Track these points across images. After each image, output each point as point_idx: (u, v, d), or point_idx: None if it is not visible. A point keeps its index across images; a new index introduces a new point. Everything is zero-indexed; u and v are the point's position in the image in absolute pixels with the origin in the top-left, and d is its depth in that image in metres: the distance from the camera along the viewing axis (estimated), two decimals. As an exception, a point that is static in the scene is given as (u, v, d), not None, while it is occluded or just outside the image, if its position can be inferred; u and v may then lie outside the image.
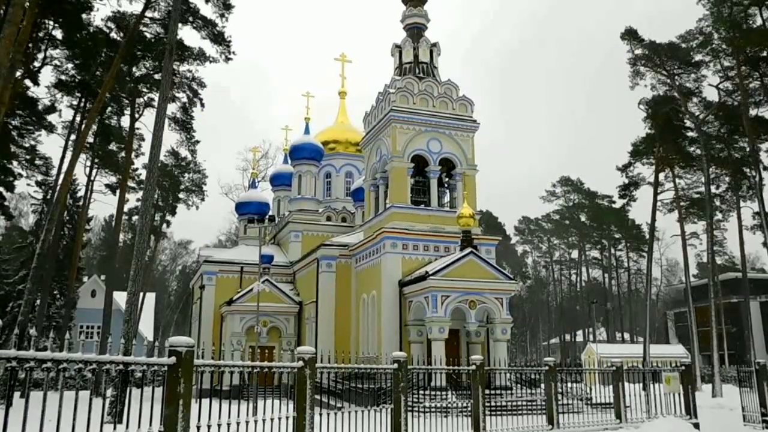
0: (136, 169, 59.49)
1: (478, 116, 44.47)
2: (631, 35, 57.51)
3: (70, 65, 45.91)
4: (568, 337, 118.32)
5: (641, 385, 24.13)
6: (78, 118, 47.39)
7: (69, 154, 43.23)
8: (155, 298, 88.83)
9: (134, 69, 47.95)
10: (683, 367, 24.45)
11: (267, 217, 44.02)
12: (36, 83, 44.18)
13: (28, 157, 50.91)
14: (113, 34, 44.90)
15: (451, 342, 35.61)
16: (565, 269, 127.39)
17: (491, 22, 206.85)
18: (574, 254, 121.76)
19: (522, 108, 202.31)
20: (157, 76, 46.10)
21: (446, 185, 45.06)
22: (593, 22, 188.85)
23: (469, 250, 36.03)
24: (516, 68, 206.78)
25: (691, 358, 55.06)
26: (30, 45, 40.81)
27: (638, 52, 57.57)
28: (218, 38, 42.69)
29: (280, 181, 66.26)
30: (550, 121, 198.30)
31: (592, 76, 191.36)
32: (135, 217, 71.06)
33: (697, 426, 22.92)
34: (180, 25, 39.71)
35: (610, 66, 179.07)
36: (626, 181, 62.78)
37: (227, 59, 43.41)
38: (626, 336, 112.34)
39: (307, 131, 61.97)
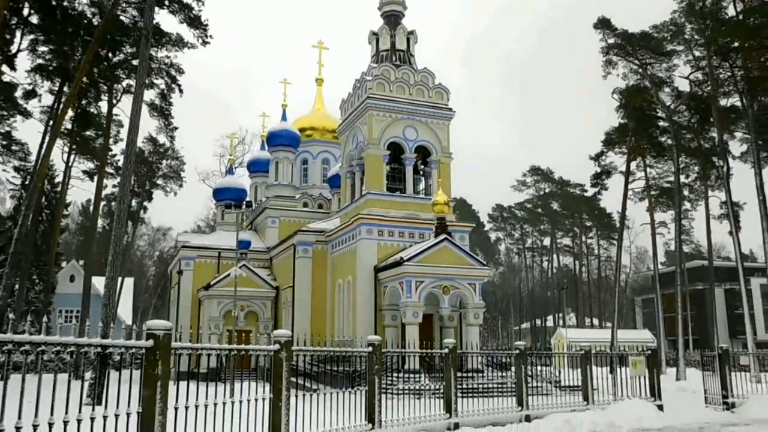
0: (114, 155, 58.95)
1: (456, 102, 44.41)
2: (604, 24, 57.73)
3: (47, 50, 45.39)
4: (538, 322, 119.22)
5: (608, 368, 24.41)
6: (57, 104, 46.90)
7: (47, 140, 42.83)
8: (133, 282, 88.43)
9: (112, 55, 47.45)
10: (649, 352, 24.79)
11: (244, 203, 43.88)
12: (13, 68, 43.66)
13: (4, 142, 50.37)
14: (95, 20, 44.37)
15: (424, 326, 35.75)
16: (537, 256, 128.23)
17: (467, 10, 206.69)
18: (546, 241, 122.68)
19: (490, 95, 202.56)
20: (134, 62, 45.65)
21: (422, 173, 45.13)
22: (563, 10, 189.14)
23: (443, 236, 36.15)
24: (483, 53, 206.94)
25: (657, 342, 55.67)
26: (6, 30, 40.35)
27: (611, 41, 57.84)
28: (195, 22, 42.30)
29: (257, 167, 66.02)
30: (523, 108, 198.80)
31: (565, 63, 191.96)
32: (113, 203, 70.50)
33: (661, 408, 23.25)
34: (157, 9, 39.36)
35: (583, 54, 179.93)
36: (598, 170, 63.18)
37: (204, 43, 43.10)
38: (595, 321, 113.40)
39: (284, 118, 61.71)
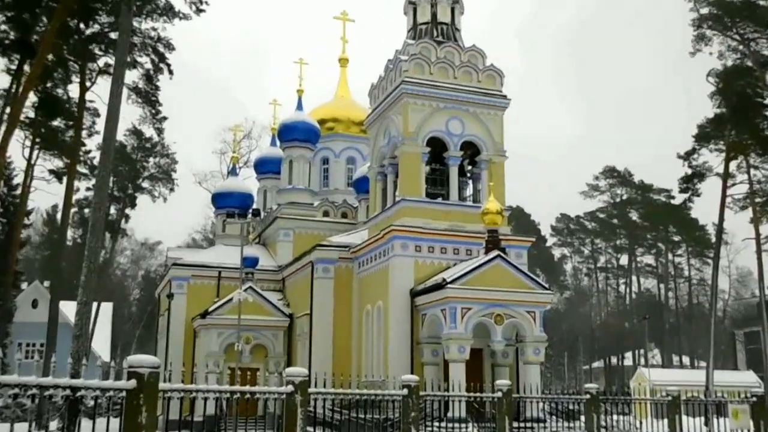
0: (89, 151, 59.25)
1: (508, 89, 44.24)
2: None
3: (1, 18, 45.19)
4: (614, 360, 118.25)
5: (703, 419, 24.03)
6: (16, 87, 46.89)
7: (3, 130, 42.98)
8: (112, 308, 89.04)
9: (85, 26, 47.36)
10: (754, 399, 24.37)
11: (250, 211, 44.05)
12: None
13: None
14: None
15: (472, 364, 35.49)
16: (612, 278, 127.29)
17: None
18: (623, 260, 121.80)
19: (549, 75, 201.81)
20: (113, 35, 45.73)
21: (469, 174, 44.90)
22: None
23: (495, 253, 35.91)
24: (541, 22, 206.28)
25: (765, 387, 54.84)
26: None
27: (704, 11, 57.33)
28: None
29: (266, 167, 66.19)
30: (590, 98, 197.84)
31: (645, 38, 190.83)
32: (86, 210, 71.02)
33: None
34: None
35: (669, 26, 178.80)
36: (689, 171, 62.51)
37: (199, 11, 43.17)
38: (685, 360, 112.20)
39: (299, 107, 61.83)
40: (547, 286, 38.43)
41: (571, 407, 31.07)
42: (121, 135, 65.54)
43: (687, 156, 62.40)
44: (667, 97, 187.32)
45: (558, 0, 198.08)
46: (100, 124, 52.64)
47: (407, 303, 38.42)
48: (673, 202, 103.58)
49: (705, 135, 61.22)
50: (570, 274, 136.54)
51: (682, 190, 64.36)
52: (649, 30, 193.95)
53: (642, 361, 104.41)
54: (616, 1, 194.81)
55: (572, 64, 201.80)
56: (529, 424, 31.20)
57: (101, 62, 49.54)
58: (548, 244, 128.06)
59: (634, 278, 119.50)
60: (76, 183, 55.73)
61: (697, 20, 57.45)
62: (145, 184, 73.83)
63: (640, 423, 25.64)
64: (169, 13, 45.22)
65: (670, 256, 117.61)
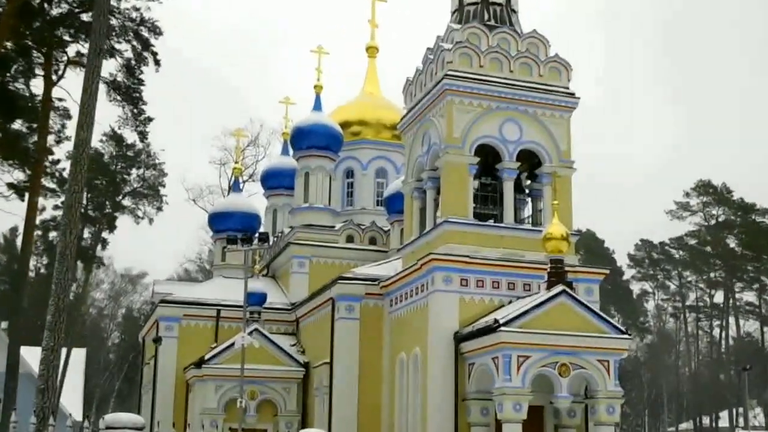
0: (57, 161, 59.55)
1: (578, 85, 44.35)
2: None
3: None
4: (706, 420, 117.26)
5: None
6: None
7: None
8: (86, 355, 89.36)
9: (49, 5, 47.48)
10: None
11: (256, 235, 44.07)
12: None
13: None
14: None
15: (532, 424, 35.55)
16: (705, 319, 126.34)
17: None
18: (719, 297, 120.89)
19: (638, 78, 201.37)
20: (85, 17, 45.90)
21: (527, 191, 44.89)
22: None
23: (560, 288, 35.86)
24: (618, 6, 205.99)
25: None
26: None
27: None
28: None
29: (276, 181, 66.46)
30: (682, 99, 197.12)
31: (742, 23, 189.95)
32: (54, 234, 71.44)
33: None
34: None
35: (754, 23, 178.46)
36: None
37: None
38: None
39: (317, 106, 61.99)
40: (624, 329, 38.23)
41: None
42: (96, 141, 65.96)
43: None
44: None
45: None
46: (71, 128, 52.74)
47: (450, 350, 38.35)
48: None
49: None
50: (652, 315, 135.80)
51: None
52: (746, 21, 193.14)
53: (741, 421, 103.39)
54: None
55: (666, 63, 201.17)
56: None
57: (71, 50, 49.52)
58: (625, 277, 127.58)
59: (731, 320, 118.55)
60: (41, 200, 55.93)
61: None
62: (127, 202, 74.45)
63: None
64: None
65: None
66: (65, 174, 53.54)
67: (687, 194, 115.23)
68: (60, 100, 51.94)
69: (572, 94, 43.42)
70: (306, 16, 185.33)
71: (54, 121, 53.69)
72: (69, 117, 55.51)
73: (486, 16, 44.40)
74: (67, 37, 48.58)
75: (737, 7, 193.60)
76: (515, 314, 35.25)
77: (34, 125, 52.62)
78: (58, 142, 57.49)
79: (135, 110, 53.04)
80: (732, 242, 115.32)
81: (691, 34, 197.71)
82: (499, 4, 44.87)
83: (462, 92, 41.73)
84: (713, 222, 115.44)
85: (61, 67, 49.26)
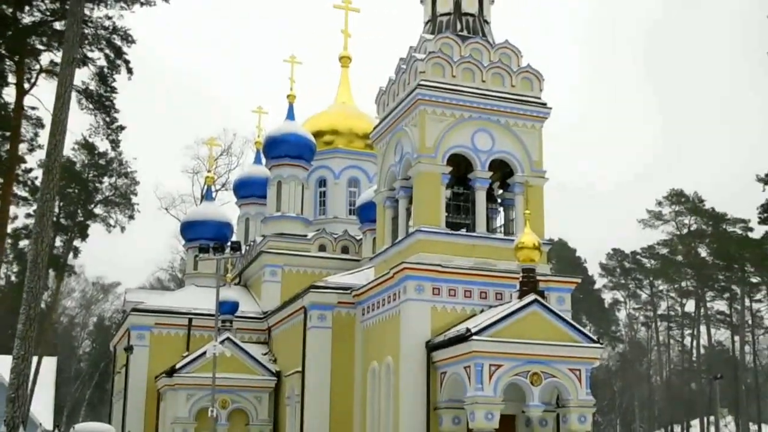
0: (29, 169, 59.35)
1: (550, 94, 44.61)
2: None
3: None
4: (678, 429, 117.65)
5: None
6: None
7: None
8: (56, 364, 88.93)
9: (21, 12, 47.32)
10: None
11: (229, 244, 44.03)
12: None
13: None
14: None
15: (504, 434, 35.58)
16: (677, 328, 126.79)
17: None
18: (690, 306, 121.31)
19: (614, 88, 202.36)
20: (59, 26, 45.79)
21: (499, 200, 45.05)
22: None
23: (532, 297, 36.04)
24: (589, 17, 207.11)
25: None
26: None
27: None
28: None
29: (248, 190, 66.48)
30: (658, 108, 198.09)
31: (710, 35, 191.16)
32: (25, 242, 71.12)
33: None
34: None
35: (738, 21, 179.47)
36: (770, 198, 62.65)
37: None
38: (765, 429, 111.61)
39: (290, 116, 62.02)
40: (595, 338, 38.45)
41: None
42: (68, 149, 65.70)
43: (768, 179, 62.57)
44: (746, 110, 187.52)
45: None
46: (43, 136, 52.48)
47: (422, 359, 38.44)
48: (751, 235, 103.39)
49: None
50: (624, 324, 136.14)
51: (762, 221, 64.55)
52: (725, 32, 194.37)
53: (712, 430, 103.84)
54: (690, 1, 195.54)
55: (643, 73, 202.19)
56: None
57: (44, 59, 49.34)
58: (597, 286, 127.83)
59: (702, 329, 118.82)
60: (12, 209, 55.53)
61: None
62: (99, 210, 73.99)
63: None
64: (128, -3, 45.22)
65: (747, 302, 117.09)
66: (37, 182, 53.37)
67: (659, 203, 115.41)
68: (32, 108, 51.76)
69: (544, 104, 43.63)
70: (279, 26, 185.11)
71: (26, 129, 53.44)
72: (42, 125, 55.28)
73: (459, 27, 44.58)
74: (39, 46, 48.34)
75: (716, 18, 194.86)
76: (487, 323, 35.37)
77: (6, 133, 52.34)
78: (31, 150, 57.22)
79: (107, 118, 52.80)
80: (703, 251, 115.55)
81: (669, 45, 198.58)
82: (472, 15, 45.05)
83: (435, 102, 41.85)
84: (685, 231, 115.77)
85: (34, 75, 49.01)
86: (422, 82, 41.84)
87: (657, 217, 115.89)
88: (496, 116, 42.71)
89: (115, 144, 56.35)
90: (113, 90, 50.75)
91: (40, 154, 54.50)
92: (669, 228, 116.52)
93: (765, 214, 63.43)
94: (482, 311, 38.74)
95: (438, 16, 45.22)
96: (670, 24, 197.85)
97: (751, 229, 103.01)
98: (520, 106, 43.10)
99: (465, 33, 44.36)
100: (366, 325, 43.83)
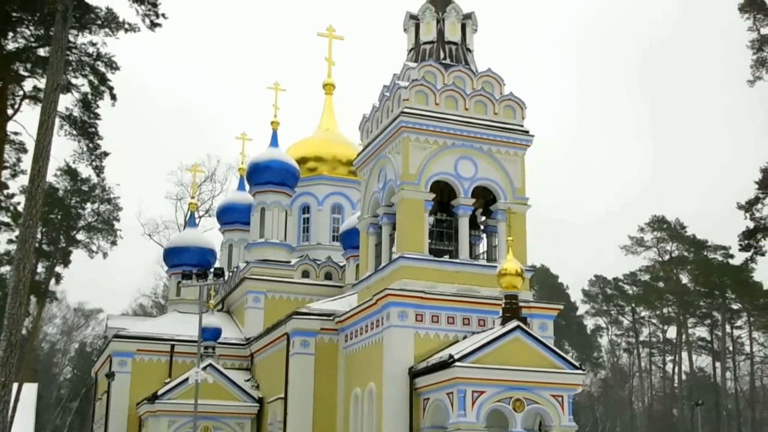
0: (11, 194, 59.13)
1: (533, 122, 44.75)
2: (755, 6, 58.00)
3: None
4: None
5: None
6: None
7: None
8: (37, 391, 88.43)
9: (4, 38, 47.34)
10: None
11: (212, 270, 43.97)
12: None
13: None
14: None
15: (486, 461, 35.55)
16: (658, 355, 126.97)
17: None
18: (671, 333, 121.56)
19: (598, 116, 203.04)
20: (43, 52, 45.80)
21: (482, 227, 45.14)
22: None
23: (514, 324, 36.10)
24: (569, 46, 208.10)
25: None
26: None
27: (766, 31, 58.01)
28: None
29: (232, 216, 66.43)
30: (637, 135, 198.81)
31: (692, 63, 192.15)
32: (7, 268, 70.81)
33: None
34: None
35: (720, 49, 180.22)
36: (751, 225, 62.73)
37: (153, 25, 43.02)
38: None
39: (274, 142, 62.10)
40: (577, 364, 38.41)
41: None
42: (51, 175, 65.50)
43: (749, 206, 62.61)
44: (726, 135, 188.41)
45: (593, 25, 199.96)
46: (26, 161, 52.31)
47: (405, 385, 38.37)
48: (732, 262, 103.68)
49: (770, 181, 61.44)
50: (606, 350, 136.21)
51: (742, 248, 64.42)
52: (705, 56, 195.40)
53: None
54: (668, 29, 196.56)
55: (628, 100, 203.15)
56: None
57: (27, 85, 49.24)
58: (579, 312, 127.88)
59: (684, 355, 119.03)
60: (-6, 235, 55.44)
61: (757, 42, 58.07)
62: (81, 236, 73.55)
63: None
64: (113, 24, 44.95)
65: (728, 329, 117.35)
66: (20, 208, 53.14)
67: (641, 229, 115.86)
68: (15, 133, 51.54)
69: (526, 132, 43.79)
70: (263, 53, 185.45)
71: (9, 155, 53.32)
72: (24, 150, 55.00)
73: (442, 55, 44.80)
74: (23, 72, 48.28)
75: (705, 47, 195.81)
76: (470, 350, 35.37)
77: (-11, 159, 52.24)
78: (14, 175, 57.06)
79: (91, 144, 52.43)
80: (685, 278, 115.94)
81: (657, 73, 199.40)
82: (455, 44, 45.28)
83: (418, 129, 41.98)
84: (666, 257, 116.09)
85: (17, 101, 48.95)
86: (406, 110, 41.98)
87: (639, 244, 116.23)
88: (479, 144, 42.85)
89: (98, 170, 55.93)
90: (97, 116, 50.56)
91: (23, 180, 54.37)
92: (651, 254, 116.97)
93: (745, 241, 63.38)
94: (465, 338, 38.81)
95: (421, 44, 45.47)
96: (658, 54, 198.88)
97: (732, 256, 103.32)
98: (502, 134, 43.26)
99: (448, 61, 44.59)
100: (349, 351, 43.81)
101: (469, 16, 46.02)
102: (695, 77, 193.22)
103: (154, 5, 42.21)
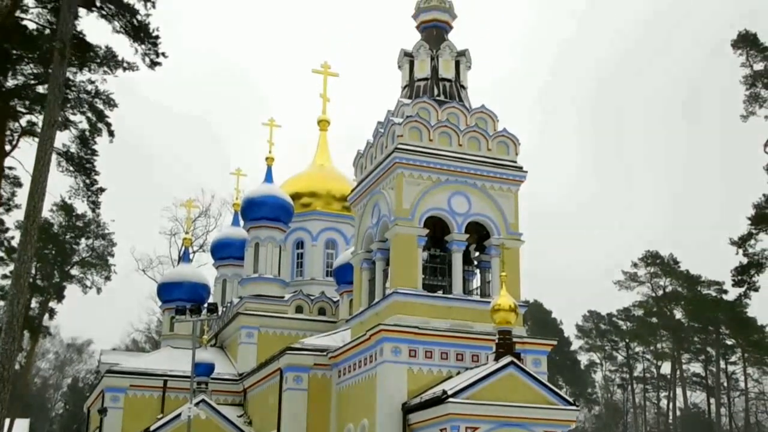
0: (6, 229, 59.17)
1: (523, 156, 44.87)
2: (747, 42, 58.30)
3: None
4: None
5: None
6: None
7: None
8: (29, 426, 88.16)
9: (4, 77, 47.49)
10: None
11: (205, 306, 43.95)
12: None
13: None
14: None
15: (480, 499, 35.41)
16: (652, 390, 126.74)
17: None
18: (666, 368, 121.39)
19: (594, 154, 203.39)
20: (41, 89, 45.94)
21: (476, 263, 45.16)
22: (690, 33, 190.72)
23: (508, 359, 36.06)
24: (566, 80, 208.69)
25: None
26: None
27: (759, 67, 58.29)
28: (139, 33, 41.88)
29: (226, 251, 66.41)
30: (628, 173, 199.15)
31: (686, 98, 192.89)
32: (0, 303, 70.69)
33: None
34: (83, 12, 39.69)
35: (715, 85, 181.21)
36: (744, 261, 62.85)
37: (153, 64, 43.14)
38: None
39: (268, 178, 62.16)
40: (571, 400, 38.29)
41: None
42: (47, 210, 65.53)
43: (741, 242, 62.77)
44: (718, 169, 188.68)
45: (586, 56, 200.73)
46: (21, 197, 52.38)
47: (399, 421, 38.20)
48: (725, 297, 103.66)
49: (762, 217, 61.59)
50: (600, 386, 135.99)
51: (736, 284, 64.61)
52: (700, 90, 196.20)
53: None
54: (663, 56, 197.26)
55: (610, 130, 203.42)
56: None
57: (25, 121, 49.16)
58: (573, 348, 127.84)
59: (678, 391, 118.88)
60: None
61: (750, 77, 58.38)
62: (75, 271, 73.63)
63: None
64: (111, 62, 45.10)
65: (722, 364, 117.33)
66: (13, 242, 53.14)
67: (635, 264, 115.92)
68: (10, 168, 51.68)
69: (520, 168, 43.89)
70: (259, 89, 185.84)
71: (4, 189, 53.36)
72: (19, 185, 55.18)
73: (436, 92, 44.95)
74: (22, 109, 48.37)
75: (698, 81, 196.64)
76: (463, 385, 35.34)
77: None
78: (8, 210, 57.22)
79: (87, 180, 52.41)
80: (679, 313, 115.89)
81: (649, 113, 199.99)
82: (449, 80, 45.45)
83: (412, 165, 42.05)
84: (660, 293, 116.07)
85: (14, 137, 48.99)
86: (400, 146, 42.09)
87: (632, 279, 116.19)
88: (473, 179, 42.94)
89: (94, 206, 55.96)
90: (94, 153, 50.66)
91: (17, 214, 54.46)
92: (644, 290, 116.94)
93: (738, 277, 63.55)
94: (459, 373, 38.70)
95: (415, 80, 45.64)
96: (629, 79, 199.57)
97: (725, 292, 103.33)
98: (496, 170, 43.35)
99: (442, 98, 44.74)
100: (342, 387, 43.70)
101: (463, 54, 46.21)
102: (687, 113, 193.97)
103: (155, 44, 42.37)
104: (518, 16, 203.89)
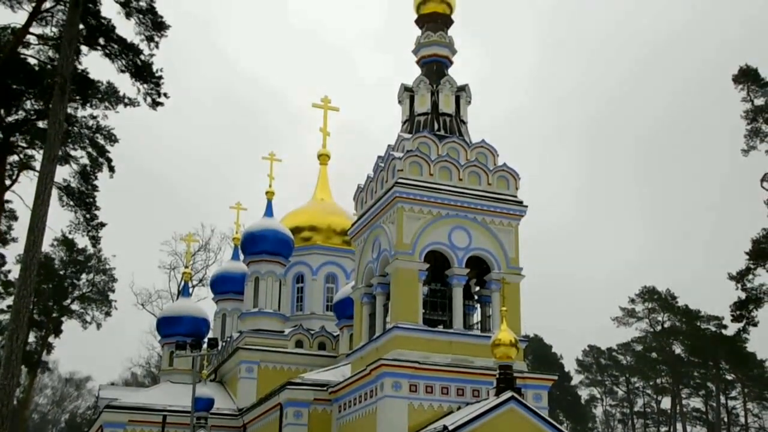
0: (3, 263, 59.11)
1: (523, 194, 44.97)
2: (748, 77, 58.46)
3: None
4: None
5: None
6: None
7: None
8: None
9: (5, 111, 47.53)
10: None
11: (205, 340, 43.89)
12: None
13: None
14: None
15: None
16: (652, 425, 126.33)
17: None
18: (666, 403, 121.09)
19: (591, 188, 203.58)
20: (41, 124, 45.98)
21: (476, 297, 45.12)
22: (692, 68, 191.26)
23: (509, 394, 35.97)
24: (567, 112, 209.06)
25: None
26: None
27: (760, 102, 58.43)
28: (142, 72, 42.05)
29: (226, 286, 66.33)
30: (627, 208, 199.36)
31: (688, 133, 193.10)
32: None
33: None
34: (86, 49, 39.84)
35: (715, 120, 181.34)
36: (743, 295, 62.77)
37: (155, 104, 43.09)
38: None
39: (269, 212, 62.15)
40: (572, 436, 38.35)
41: None
42: (47, 245, 65.51)
43: (740, 277, 62.71)
44: (717, 205, 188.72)
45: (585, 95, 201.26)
46: (20, 230, 52.25)
47: (399, 456, 38.16)
48: (724, 332, 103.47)
49: (761, 252, 61.60)
50: (601, 421, 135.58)
51: (735, 318, 64.50)
52: (694, 120, 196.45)
53: None
54: (665, 88, 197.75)
55: (608, 164, 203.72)
56: None
57: (25, 155, 49.02)
58: (573, 382, 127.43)
59: (678, 426, 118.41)
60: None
61: (751, 112, 58.51)
62: (75, 306, 73.44)
63: None
64: (112, 98, 45.17)
65: (722, 399, 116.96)
66: (11, 276, 53.01)
67: (632, 300, 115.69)
68: (9, 202, 51.69)
69: (520, 202, 43.96)
70: (260, 124, 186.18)
71: (4, 223, 53.33)
72: (15, 218, 55.22)
73: (436, 126, 45.09)
74: (22, 144, 48.43)
75: (707, 126, 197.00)
76: (464, 420, 35.22)
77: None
78: (5, 244, 57.15)
79: (88, 215, 52.46)
80: (678, 348, 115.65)
81: (648, 146, 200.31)
82: (449, 115, 45.61)
83: (412, 200, 42.12)
84: (659, 328, 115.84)
85: (14, 172, 48.99)
86: (400, 180, 42.16)
87: (630, 314, 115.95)
88: (473, 214, 43.01)
89: (95, 241, 56.00)
90: (95, 188, 50.67)
91: (15, 248, 54.35)
92: (643, 325, 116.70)
93: (737, 312, 63.45)
94: (459, 408, 38.64)
95: (416, 115, 45.78)
96: (659, 133, 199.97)
97: (725, 327, 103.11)
98: (496, 204, 43.44)
99: (442, 132, 44.88)
100: (342, 422, 43.54)
101: (463, 89, 46.41)
102: (687, 147, 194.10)
103: (157, 85, 42.37)
104: (524, 55, 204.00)
